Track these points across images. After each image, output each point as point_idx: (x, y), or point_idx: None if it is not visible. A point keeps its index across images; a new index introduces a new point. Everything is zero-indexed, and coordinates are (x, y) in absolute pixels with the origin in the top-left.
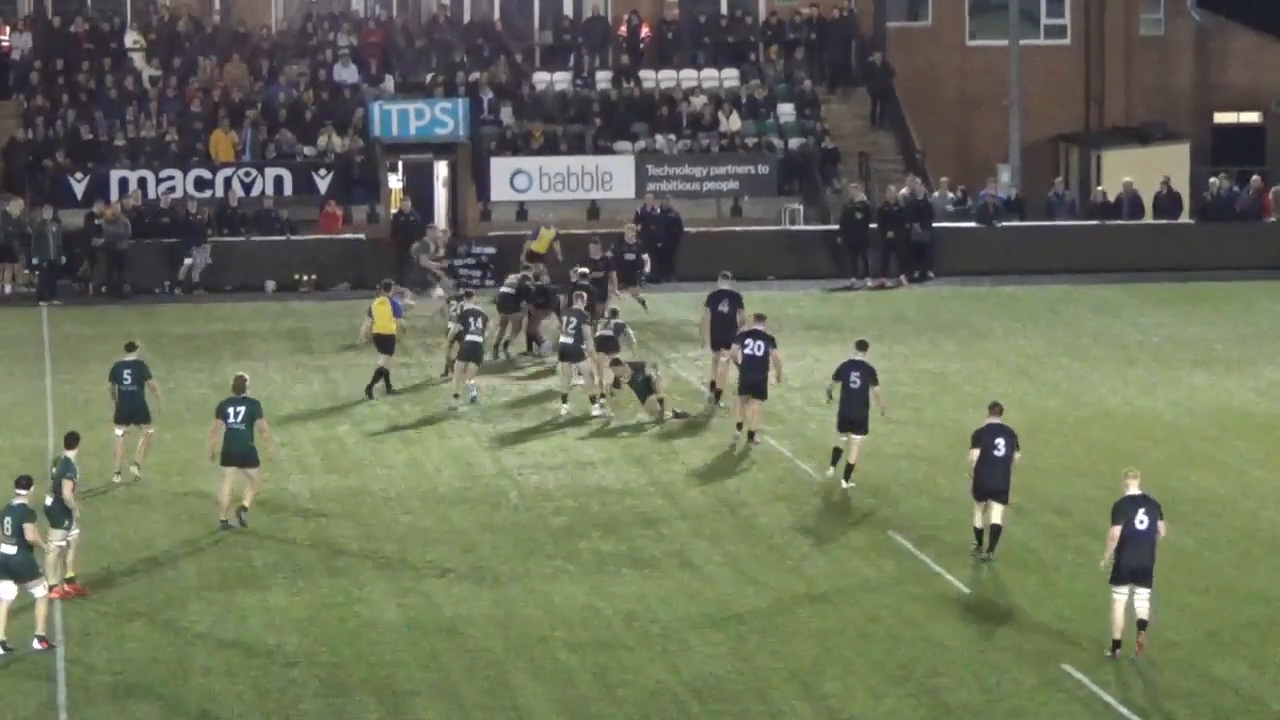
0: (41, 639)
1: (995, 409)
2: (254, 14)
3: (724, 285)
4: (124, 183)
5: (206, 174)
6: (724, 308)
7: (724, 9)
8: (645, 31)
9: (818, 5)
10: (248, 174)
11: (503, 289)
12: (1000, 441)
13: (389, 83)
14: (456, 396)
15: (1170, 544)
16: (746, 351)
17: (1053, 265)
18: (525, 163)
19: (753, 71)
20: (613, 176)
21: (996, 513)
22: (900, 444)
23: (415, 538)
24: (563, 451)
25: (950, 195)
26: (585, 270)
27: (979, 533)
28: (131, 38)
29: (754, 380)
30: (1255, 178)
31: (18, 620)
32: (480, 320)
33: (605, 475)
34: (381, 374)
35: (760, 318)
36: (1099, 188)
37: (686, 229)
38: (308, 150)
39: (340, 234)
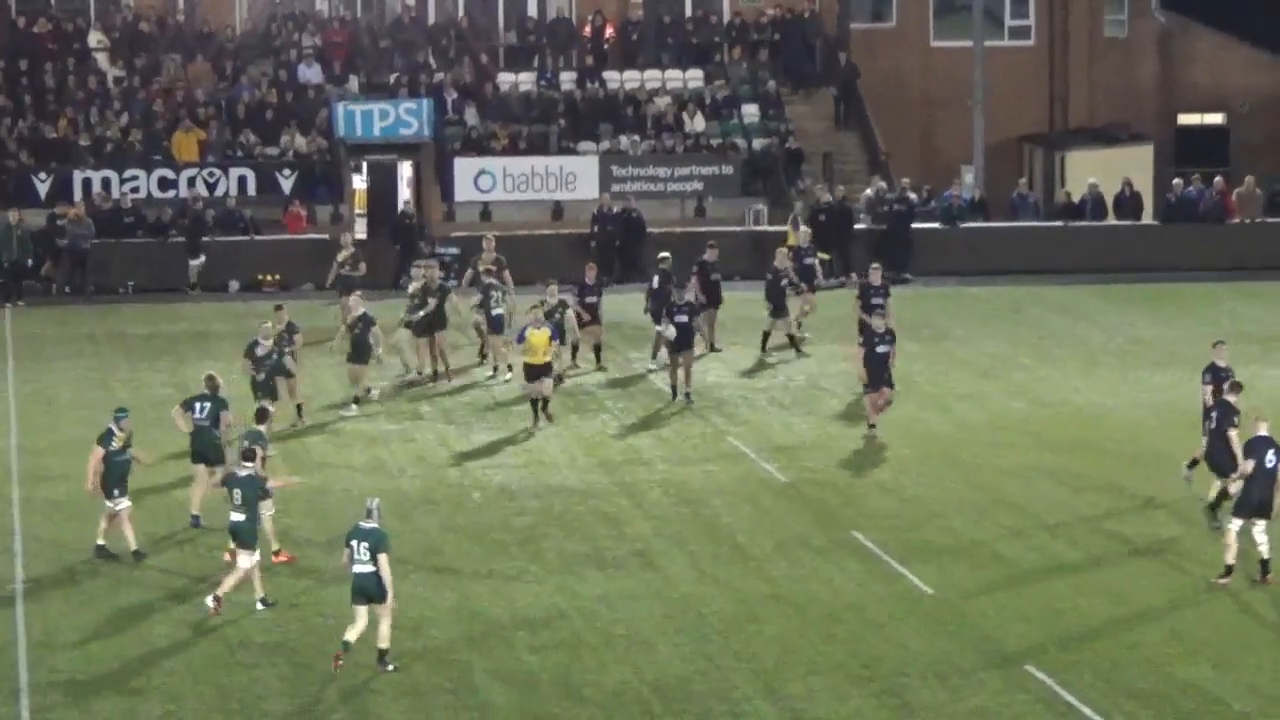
0: (264, 601)
1: (1260, 422)
2: (218, 14)
3: (663, 267)
4: (87, 183)
5: (170, 174)
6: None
7: (688, 10)
8: (609, 32)
9: (782, 6)
10: (211, 174)
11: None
12: (1271, 454)
13: (353, 83)
14: (495, 370)
15: None
16: (678, 319)
17: (1016, 266)
18: (489, 163)
19: (717, 72)
20: (577, 177)
21: (1262, 538)
22: (863, 444)
23: None
24: (525, 452)
25: (914, 196)
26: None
27: (1230, 566)
28: (95, 37)
29: (687, 340)
30: (1218, 179)
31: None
32: (500, 293)
33: (568, 476)
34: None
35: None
36: (1063, 189)
37: (650, 229)
38: (271, 150)
39: (304, 234)
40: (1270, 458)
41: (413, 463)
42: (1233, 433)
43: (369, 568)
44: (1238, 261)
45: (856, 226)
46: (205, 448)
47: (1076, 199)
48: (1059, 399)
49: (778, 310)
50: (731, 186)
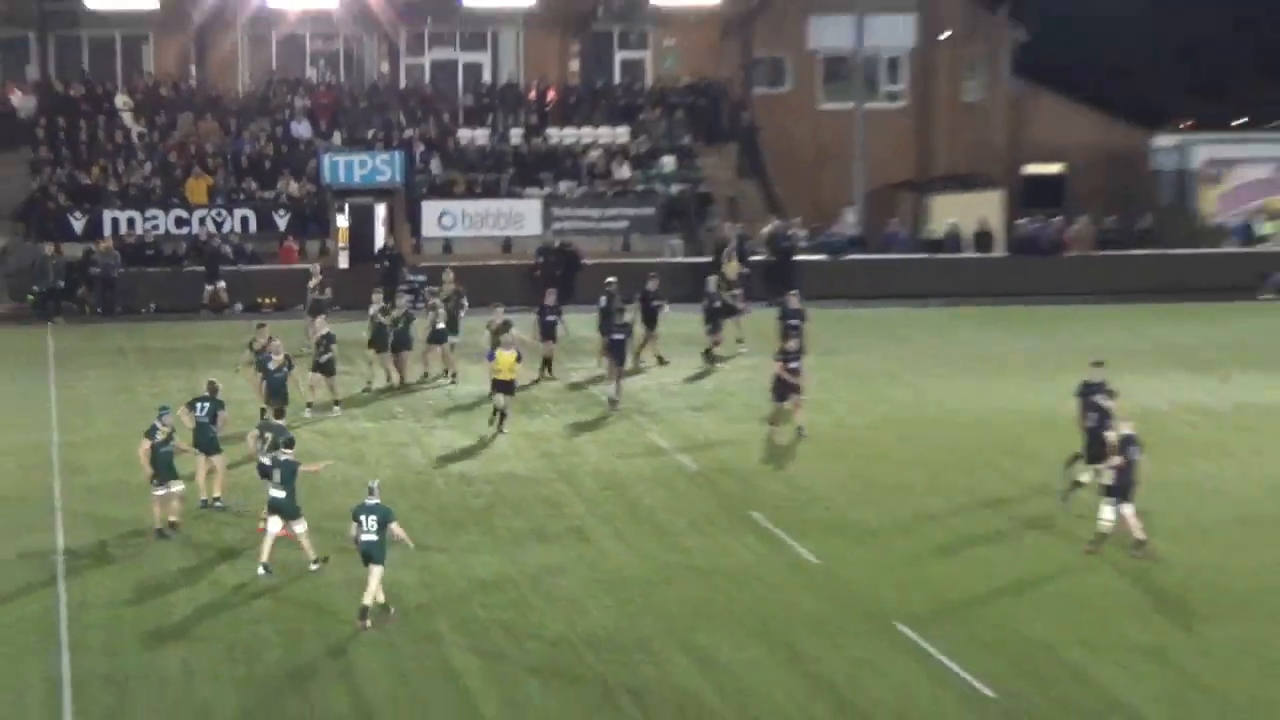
0: (316, 561)
1: None
2: (224, 79)
3: (610, 290)
4: (115, 221)
5: (184, 214)
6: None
7: (617, 77)
8: (551, 95)
9: (695, 74)
10: (219, 214)
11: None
12: (1134, 449)
13: (337, 138)
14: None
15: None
16: (614, 337)
17: (889, 291)
18: (450, 205)
19: (640, 129)
20: (524, 217)
21: (1134, 519)
22: (761, 440)
23: None
24: (481, 445)
25: (804, 233)
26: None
27: (1103, 535)
28: (121, 99)
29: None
30: (1057, 218)
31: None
32: (436, 313)
33: (516, 465)
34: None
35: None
36: (928, 227)
37: (585, 261)
38: (269, 194)
39: (296, 264)
40: (1134, 451)
41: (387, 454)
42: (1109, 433)
43: (374, 536)
44: (1073, 287)
45: (754, 258)
46: (203, 440)
47: (939, 235)
48: (926, 402)
49: (714, 329)
50: (652, 225)
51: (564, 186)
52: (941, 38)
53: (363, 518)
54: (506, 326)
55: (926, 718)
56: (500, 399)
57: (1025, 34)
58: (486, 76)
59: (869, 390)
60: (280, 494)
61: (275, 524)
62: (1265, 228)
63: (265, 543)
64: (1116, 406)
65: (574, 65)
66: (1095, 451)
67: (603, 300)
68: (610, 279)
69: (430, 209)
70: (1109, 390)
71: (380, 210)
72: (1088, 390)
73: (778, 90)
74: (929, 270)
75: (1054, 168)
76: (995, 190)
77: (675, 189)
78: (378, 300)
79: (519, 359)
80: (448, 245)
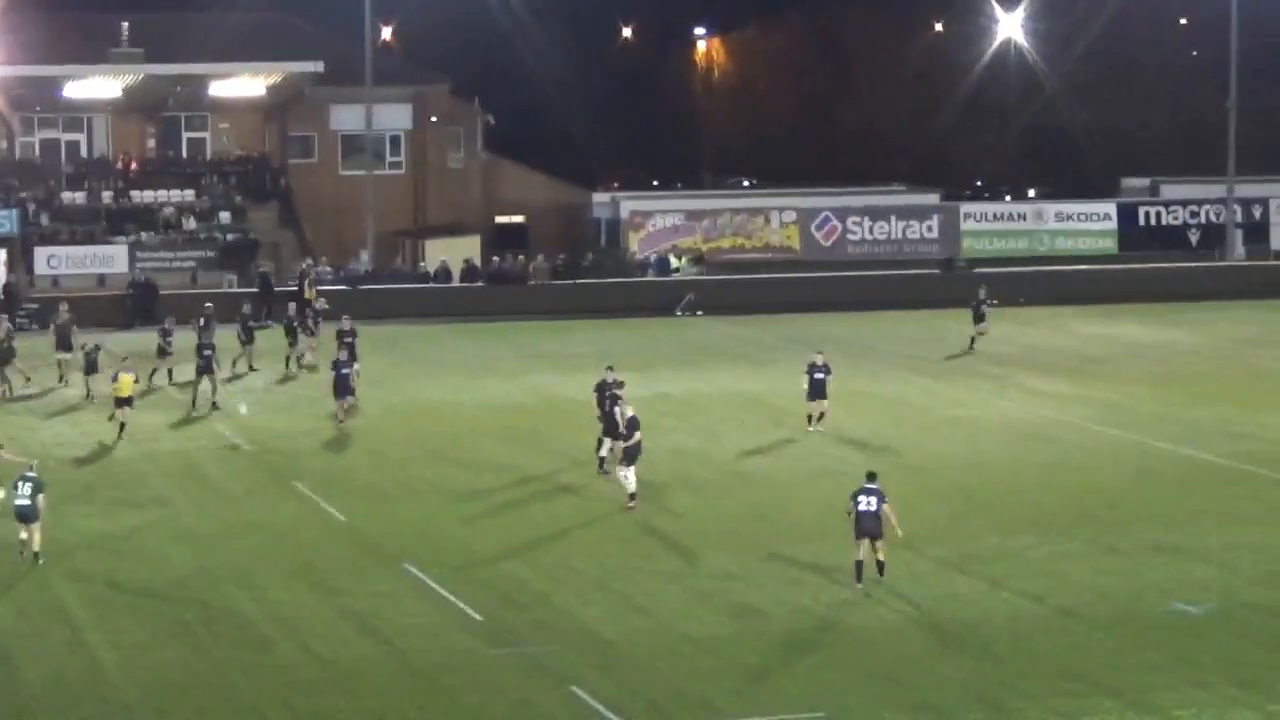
0: None
1: None
2: None
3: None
4: None
5: None
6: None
7: (185, 152)
8: (134, 166)
9: (245, 148)
10: None
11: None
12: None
13: None
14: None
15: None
16: (205, 353)
17: (394, 314)
18: (57, 250)
19: (203, 191)
20: (114, 258)
21: (631, 477)
22: (307, 429)
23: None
24: (85, 437)
25: (328, 268)
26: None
27: (633, 494)
28: None
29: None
30: (521, 256)
31: None
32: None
33: (113, 451)
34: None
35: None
36: (422, 263)
37: (163, 291)
38: None
39: None
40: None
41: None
42: (616, 411)
43: (28, 501)
44: (535, 309)
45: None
46: None
47: (432, 270)
48: (423, 397)
49: (295, 342)
50: (214, 264)
51: (145, 235)
52: (432, 121)
53: (19, 485)
54: (95, 349)
55: (430, 636)
56: (124, 412)
57: (493, 119)
58: (84, 151)
59: (380, 390)
60: None
61: None
62: (677, 262)
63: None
64: (625, 396)
65: (151, 142)
66: (611, 429)
67: (200, 320)
68: (208, 304)
69: (41, 253)
70: (619, 382)
71: (1, 254)
72: (603, 386)
73: (308, 160)
74: (425, 297)
75: (518, 218)
76: (474, 236)
77: (230, 237)
78: None
79: (136, 380)
80: (55, 280)
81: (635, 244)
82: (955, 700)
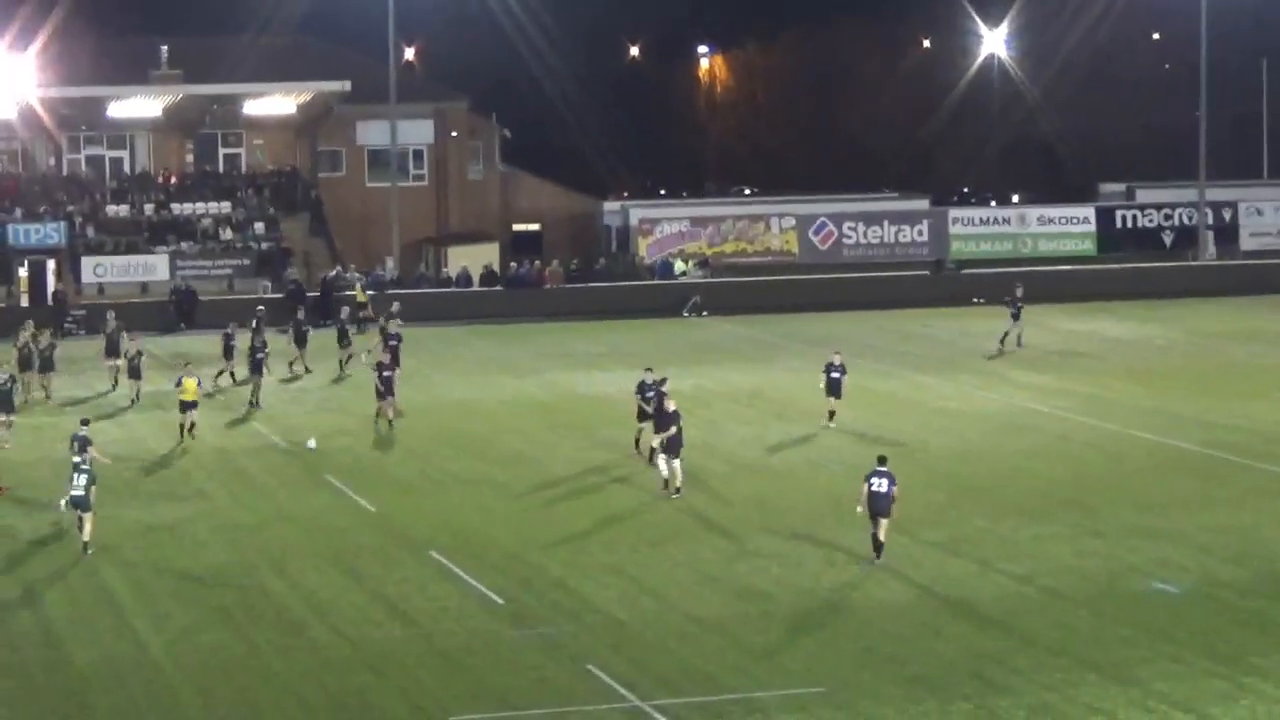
0: None
1: None
2: None
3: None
4: None
5: None
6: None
7: (221, 167)
8: (174, 179)
9: (277, 163)
10: None
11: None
12: (675, 427)
13: (18, 213)
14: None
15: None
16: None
17: (424, 317)
18: (103, 260)
19: (238, 203)
20: (156, 267)
21: (677, 466)
22: (338, 426)
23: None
24: (129, 434)
25: (357, 275)
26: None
27: (667, 481)
28: None
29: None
30: (537, 262)
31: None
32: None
33: (155, 446)
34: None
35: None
36: (445, 269)
37: (201, 298)
38: None
39: None
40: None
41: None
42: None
43: (82, 492)
44: (552, 311)
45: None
46: None
47: (454, 276)
48: (449, 396)
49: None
50: (249, 272)
51: (184, 245)
52: (452, 135)
53: (75, 476)
54: (139, 355)
55: (455, 619)
56: (190, 415)
57: (509, 133)
58: (126, 167)
59: (412, 387)
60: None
61: None
62: (683, 266)
63: None
64: (668, 390)
65: (190, 158)
66: (657, 424)
67: (253, 323)
68: (260, 308)
69: (88, 263)
70: (660, 380)
71: (50, 264)
72: (643, 386)
73: (337, 174)
74: (448, 300)
75: (534, 226)
76: (493, 243)
77: (264, 246)
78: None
79: (199, 383)
80: (101, 289)
81: (644, 249)
82: (948, 675)
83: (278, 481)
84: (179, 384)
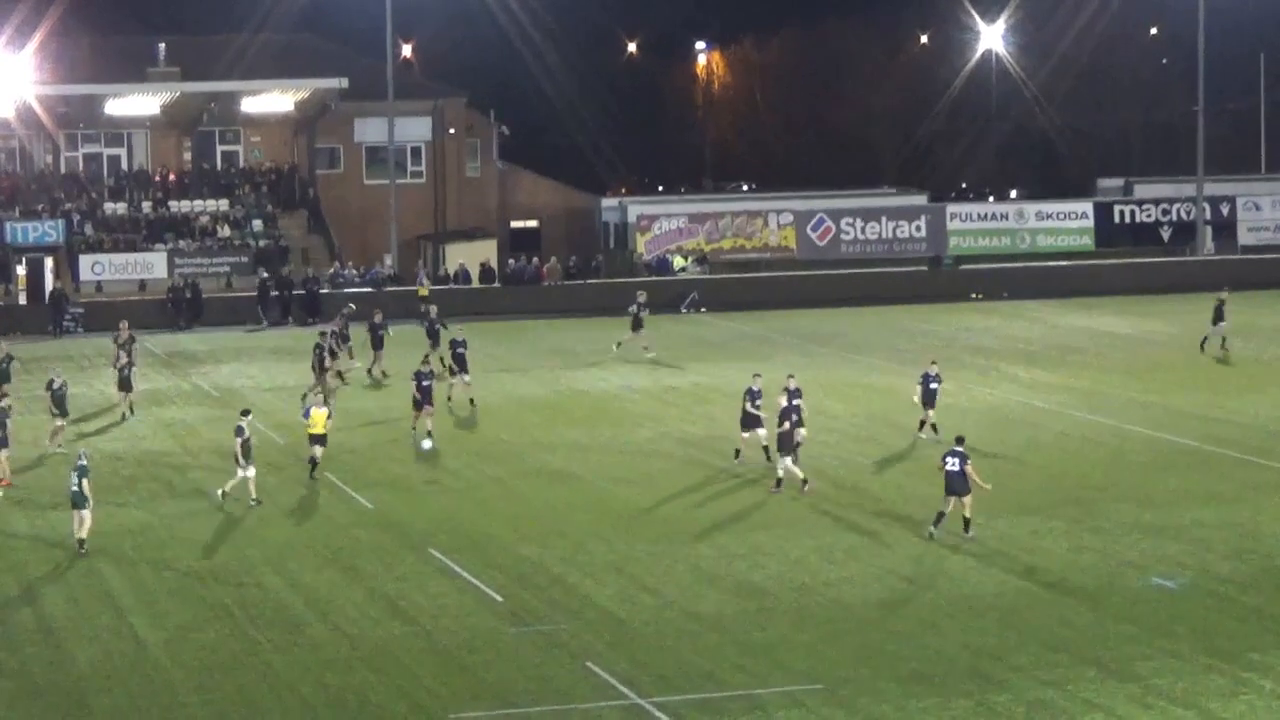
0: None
1: None
2: None
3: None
4: None
5: None
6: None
7: (219, 163)
8: (171, 177)
9: (275, 160)
10: None
11: None
12: (794, 414)
13: (16, 211)
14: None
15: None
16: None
17: (417, 314)
18: (100, 258)
19: (236, 201)
20: (154, 265)
21: (793, 466)
22: (337, 424)
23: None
24: (126, 432)
25: (356, 271)
26: None
27: (780, 480)
28: None
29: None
30: (535, 259)
31: None
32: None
33: (152, 444)
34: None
35: None
36: (444, 266)
37: (205, 295)
38: None
39: None
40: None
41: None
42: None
43: (78, 488)
44: (550, 308)
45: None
46: None
47: (452, 272)
48: (447, 393)
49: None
50: (248, 269)
51: (183, 243)
52: (450, 132)
53: (74, 475)
54: (130, 367)
55: (454, 616)
56: (317, 450)
57: (507, 130)
58: (124, 165)
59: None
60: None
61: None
62: (680, 262)
63: None
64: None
65: (187, 155)
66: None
67: (342, 319)
68: (351, 304)
69: (86, 261)
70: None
71: (49, 262)
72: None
73: (334, 171)
74: (446, 297)
75: (532, 223)
76: (491, 240)
77: (262, 243)
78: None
79: (330, 415)
80: (99, 286)
81: (642, 246)
82: (947, 671)
83: (277, 479)
84: (307, 415)
